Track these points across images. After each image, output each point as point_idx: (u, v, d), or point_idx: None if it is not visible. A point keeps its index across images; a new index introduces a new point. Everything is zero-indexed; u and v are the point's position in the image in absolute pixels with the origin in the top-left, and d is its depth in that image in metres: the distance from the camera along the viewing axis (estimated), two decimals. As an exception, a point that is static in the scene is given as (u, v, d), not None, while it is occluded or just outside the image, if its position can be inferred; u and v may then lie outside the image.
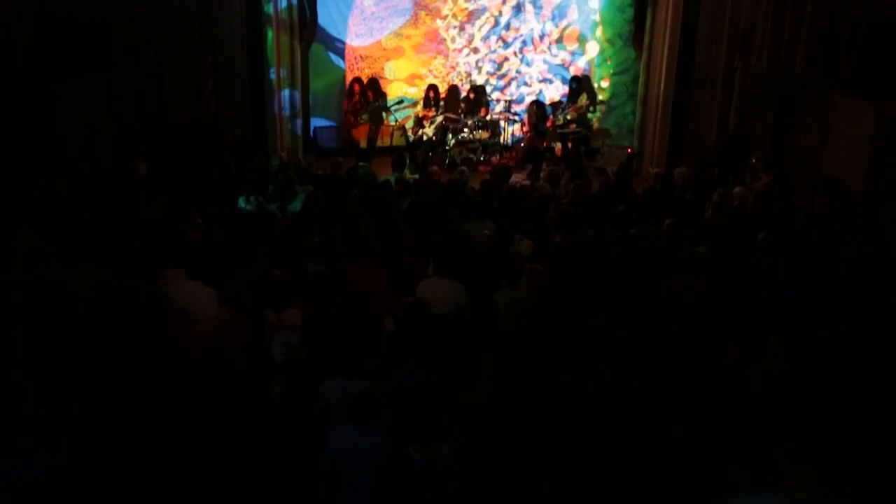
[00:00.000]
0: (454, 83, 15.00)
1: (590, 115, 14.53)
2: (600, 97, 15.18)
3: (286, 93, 13.53)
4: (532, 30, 15.22)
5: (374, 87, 14.29)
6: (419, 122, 14.18)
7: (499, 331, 6.35)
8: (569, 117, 14.14)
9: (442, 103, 14.27)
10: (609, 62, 15.32)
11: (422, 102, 14.53)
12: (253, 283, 6.64)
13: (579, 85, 14.48)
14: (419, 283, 7.10)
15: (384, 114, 14.22)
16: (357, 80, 14.19)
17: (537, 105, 14.56)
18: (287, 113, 13.64)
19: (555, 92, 15.35)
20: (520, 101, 15.35)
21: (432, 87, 14.51)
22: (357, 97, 14.00)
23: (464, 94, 14.78)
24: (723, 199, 9.52)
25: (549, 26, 15.20)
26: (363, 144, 13.77)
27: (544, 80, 15.49)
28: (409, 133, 14.36)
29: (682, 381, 5.48)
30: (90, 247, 7.02)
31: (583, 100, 14.18)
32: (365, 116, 13.87)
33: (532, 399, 5.32)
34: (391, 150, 13.85)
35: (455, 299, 6.73)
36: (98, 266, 6.59)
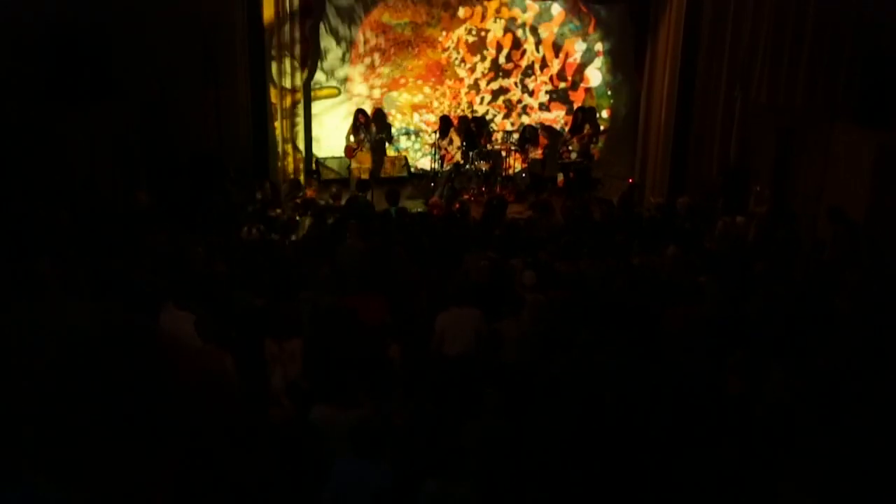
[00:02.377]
0: (462, 115, 15.00)
1: (592, 146, 14.54)
2: (601, 128, 15.22)
3: (288, 123, 13.58)
4: (533, 60, 15.31)
5: (378, 119, 14.28)
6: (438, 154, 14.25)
7: (503, 361, 6.34)
8: (570, 148, 14.16)
9: (452, 132, 14.24)
10: (610, 93, 15.41)
11: (437, 133, 14.49)
12: (251, 313, 6.63)
13: (584, 116, 14.49)
14: (418, 312, 7.11)
15: (387, 144, 14.22)
16: (361, 111, 14.18)
17: (529, 129, 14.56)
18: (289, 143, 13.68)
19: (555, 121, 15.39)
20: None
21: (444, 119, 14.52)
22: (360, 128, 13.93)
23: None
24: (727, 228, 9.52)
25: (550, 57, 15.30)
26: (364, 175, 13.76)
27: (546, 110, 15.55)
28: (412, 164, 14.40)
29: (686, 412, 5.44)
30: (91, 277, 7.02)
31: (586, 130, 14.21)
32: (366, 147, 13.82)
33: (536, 430, 5.28)
34: (392, 180, 13.87)
35: (477, 327, 6.76)
36: (99, 296, 6.58)
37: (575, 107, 15.08)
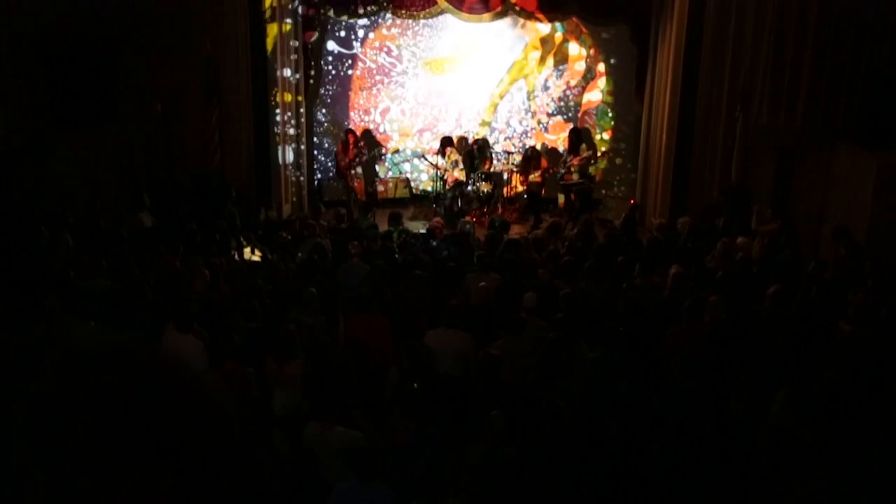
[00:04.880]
0: (463, 135, 15.00)
1: (591, 167, 14.53)
2: (602, 148, 15.23)
3: (291, 145, 13.61)
4: (535, 81, 15.38)
5: (367, 138, 14.23)
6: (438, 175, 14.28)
7: (503, 383, 6.31)
8: (572, 169, 14.16)
9: (452, 152, 14.23)
10: (611, 113, 15.46)
11: (437, 154, 14.50)
12: (254, 335, 6.63)
13: (578, 137, 14.47)
14: (420, 333, 7.10)
15: (377, 166, 14.19)
16: (350, 130, 14.00)
17: (531, 150, 14.55)
18: (291, 165, 13.70)
19: (556, 142, 15.42)
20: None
21: (446, 140, 14.52)
22: (351, 148, 13.82)
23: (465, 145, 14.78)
24: (727, 248, 9.50)
25: (552, 78, 15.37)
26: (364, 196, 13.76)
27: (546, 130, 15.59)
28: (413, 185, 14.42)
29: (688, 433, 5.42)
30: (93, 299, 7.01)
31: (583, 151, 14.22)
32: (359, 170, 13.76)
33: (537, 453, 5.26)
34: (393, 202, 13.88)
35: (463, 350, 6.72)
36: (101, 319, 6.57)
37: (577, 127, 15.11)
